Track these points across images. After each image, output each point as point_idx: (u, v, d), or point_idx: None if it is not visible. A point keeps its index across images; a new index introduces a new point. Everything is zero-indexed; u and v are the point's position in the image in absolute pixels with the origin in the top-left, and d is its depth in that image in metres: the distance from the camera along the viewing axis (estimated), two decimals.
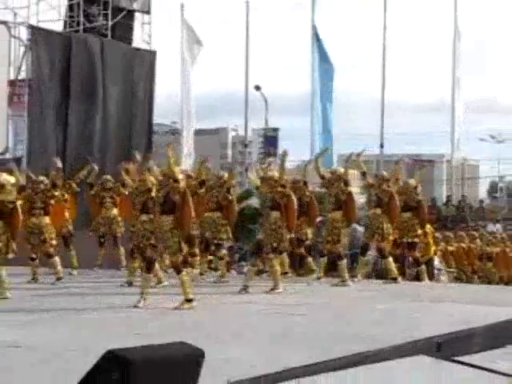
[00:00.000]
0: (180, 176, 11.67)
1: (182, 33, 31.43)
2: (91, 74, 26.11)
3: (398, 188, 16.38)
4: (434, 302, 12.83)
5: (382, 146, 32.16)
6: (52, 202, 14.99)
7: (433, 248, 18.88)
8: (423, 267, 16.82)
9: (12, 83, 25.15)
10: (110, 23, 27.06)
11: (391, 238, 16.27)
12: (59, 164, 15.49)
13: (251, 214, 17.98)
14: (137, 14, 28.39)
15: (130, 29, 28.29)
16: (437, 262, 19.87)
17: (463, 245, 23.12)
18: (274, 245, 13.65)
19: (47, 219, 14.92)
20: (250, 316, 11.22)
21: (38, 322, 10.05)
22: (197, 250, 15.74)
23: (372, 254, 17.16)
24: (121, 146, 25.76)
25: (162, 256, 11.75)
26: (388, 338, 8.62)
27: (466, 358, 7.87)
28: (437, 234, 20.43)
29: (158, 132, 36.61)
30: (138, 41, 28.42)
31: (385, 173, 16.77)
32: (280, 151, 32.79)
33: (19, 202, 12.66)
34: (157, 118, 30.35)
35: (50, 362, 7.35)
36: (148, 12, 28.58)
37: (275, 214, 13.57)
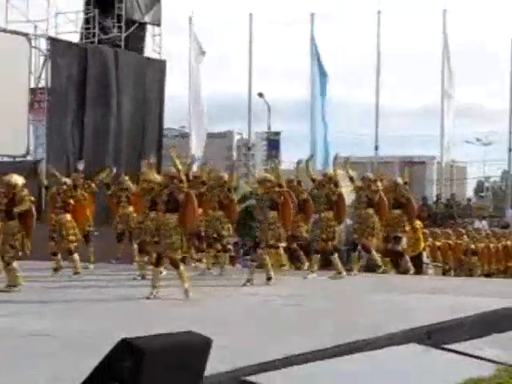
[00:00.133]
0: (183, 176, 11.68)
1: (190, 43, 31.49)
2: (106, 81, 26.14)
3: (385, 187, 16.42)
4: (425, 293, 12.81)
5: (376, 148, 32.19)
6: (72, 201, 15.00)
7: (422, 243, 18.84)
8: (407, 258, 16.78)
9: (32, 91, 25.17)
10: (124, 35, 27.09)
11: (381, 234, 16.29)
12: (81, 167, 15.65)
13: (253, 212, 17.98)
14: (148, 27, 28.43)
15: (142, 40, 28.32)
16: (424, 256, 19.84)
17: (450, 241, 23.13)
18: (271, 242, 13.67)
19: (68, 217, 14.94)
20: (254, 307, 11.21)
21: (59, 312, 10.08)
22: (204, 246, 15.74)
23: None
24: (133, 148, 25.81)
25: (166, 252, 11.64)
26: (382, 327, 8.61)
27: (454, 346, 7.87)
28: (425, 231, 20.37)
29: (168, 135, 36.59)
30: (149, 51, 28.45)
31: (370, 174, 16.71)
32: (281, 153, 32.95)
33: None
34: (166, 122, 30.33)
35: (69, 349, 7.36)
36: (158, 24, 28.61)
37: (273, 214, 13.56)
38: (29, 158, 24.72)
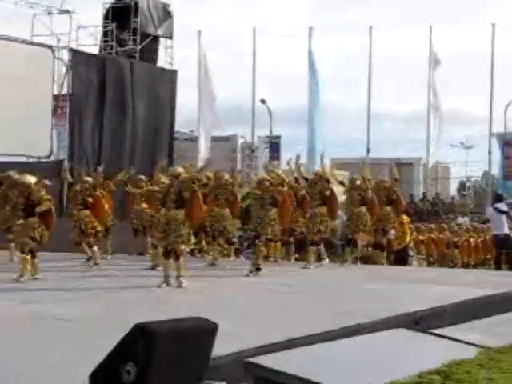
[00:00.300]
0: (185, 175, 11.70)
1: (199, 55, 31.50)
2: (122, 89, 26.18)
3: (377, 185, 16.45)
4: (412, 283, 12.80)
5: (368, 150, 32.18)
6: (90, 199, 14.99)
7: (408, 237, 18.84)
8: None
9: (55, 97, 25.20)
10: (138, 47, 27.14)
11: (372, 229, 16.29)
12: (100, 170, 15.72)
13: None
14: (161, 39, 28.47)
15: (155, 51, 28.35)
16: (409, 249, 19.84)
17: (432, 235, 23.14)
18: (270, 236, 13.66)
19: (87, 212, 14.92)
20: (256, 294, 11.20)
21: (78, 299, 10.07)
22: (210, 239, 15.75)
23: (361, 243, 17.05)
24: (147, 150, 25.85)
25: (173, 243, 11.59)
26: (374, 313, 8.60)
27: (439, 331, 7.86)
28: (410, 225, 20.38)
29: (179, 138, 36.54)
30: (162, 61, 28.49)
31: (357, 176, 16.63)
32: (282, 155, 32.95)
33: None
34: (177, 126, 30.36)
35: (89, 333, 7.37)
36: (170, 37, 28.64)
37: (274, 211, 13.55)
38: (52, 158, 24.78)
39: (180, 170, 12.03)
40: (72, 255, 15.22)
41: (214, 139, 33.89)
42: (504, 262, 20.03)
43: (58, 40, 25.49)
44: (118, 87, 26.05)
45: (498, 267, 19.60)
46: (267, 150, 35.65)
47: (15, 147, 23.39)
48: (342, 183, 16.49)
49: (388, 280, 13.14)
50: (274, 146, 34.41)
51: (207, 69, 31.57)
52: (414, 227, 21.87)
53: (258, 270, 13.39)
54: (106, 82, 25.68)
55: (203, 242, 16.34)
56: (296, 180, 15.81)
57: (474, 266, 22.23)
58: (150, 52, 27.86)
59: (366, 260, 16.97)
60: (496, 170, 33.30)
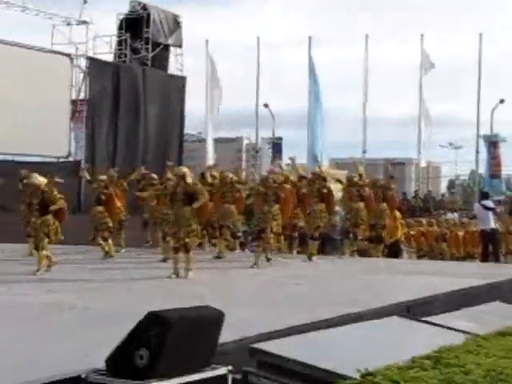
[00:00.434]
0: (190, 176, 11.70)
1: (207, 62, 31.49)
2: (135, 94, 26.22)
3: (372, 183, 16.47)
4: (405, 274, 12.80)
5: (364, 151, 32.14)
6: (103, 197, 14.99)
7: (400, 231, 18.81)
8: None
9: (73, 102, 25.27)
10: (150, 55, 27.22)
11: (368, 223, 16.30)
12: (113, 172, 15.72)
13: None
14: (171, 48, 28.54)
15: (166, 59, 28.40)
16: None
17: (422, 229, 23.10)
18: (274, 229, 13.64)
19: (100, 208, 14.89)
20: (260, 285, 11.20)
21: (95, 289, 10.08)
22: (217, 234, 15.74)
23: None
24: (159, 151, 25.92)
25: (183, 238, 11.56)
26: (370, 302, 8.60)
27: (430, 318, 7.85)
28: (401, 221, 20.33)
29: (188, 140, 36.54)
30: (172, 68, 28.56)
31: (354, 174, 16.62)
32: (284, 155, 32.92)
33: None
34: (186, 129, 30.40)
35: (105, 320, 7.37)
36: (180, 46, 28.70)
37: (276, 206, 13.54)
38: (70, 158, 24.85)
39: (185, 169, 11.99)
40: (89, 248, 15.23)
41: (222, 140, 33.91)
42: (490, 254, 20.00)
43: (76, 49, 25.58)
44: (132, 92, 26.10)
45: (484, 260, 19.57)
46: (270, 150, 35.54)
47: (36, 148, 23.48)
48: (339, 181, 16.51)
49: (383, 271, 13.15)
50: (277, 146, 34.34)
51: (214, 75, 31.55)
52: (405, 222, 21.84)
53: (269, 260, 13.56)
54: (120, 87, 25.75)
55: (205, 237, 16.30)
56: (299, 178, 15.78)
57: (463, 259, 22.17)
58: (161, 60, 27.91)
59: (362, 253, 16.95)
60: (483, 169, 33.24)
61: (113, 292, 9.97)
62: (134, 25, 27.15)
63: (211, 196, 14.80)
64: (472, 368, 5.35)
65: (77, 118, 25.34)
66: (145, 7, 27.56)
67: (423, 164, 35.90)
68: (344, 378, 5.20)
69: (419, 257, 21.56)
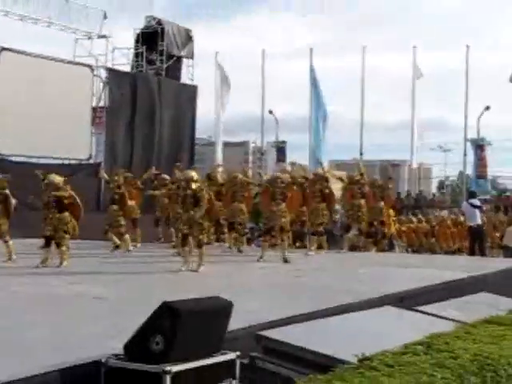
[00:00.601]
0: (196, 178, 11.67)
1: (216, 72, 31.51)
2: (151, 102, 26.28)
3: (371, 182, 16.45)
4: (398, 267, 12.77)
5: (361, 154, 32.12)
6: (116, 196, 14.98)
7: (392, 228, 18.81)
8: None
9: (94, 109, 25.32)
10: (165, 66, 27.26)
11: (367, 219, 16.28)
12: (124, 174, 15.73)
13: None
14: (184, 59, 28.58)
15: (179, 70, 28.46)
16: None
17: (412, 225, 23.09)
18: (282, 226, 13.60)
19: (114, 207, 14.85)
20: (265, 277, 11.20)
21: (113, 281, 10.07)
22: (226, 230, 15.74)
23: (353, 232, 17.01)
24: (172, 154, 25.92)
25: (194, 234, 11.50)
26: (365, 293, 8.59)
27: (422, 308, 7.84)
28: (393, 218, 20.30)
29: (199, 144, 36.58)
30: (184, 78, 28.59)
31: (356, 173, 16.59)
32: (287, 158, 32.91)
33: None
34: (197, 133, 30.44)
35: (122, 310, 7.39)
36: (192, 57, 28.75)
37: (283, 204, 13.52)
38: (91, 161, 24.88)
39: (192, 173, 11.88)
40: (108, 244, 15.23)
41: (230, 144, 33.92)
42: (477, 249, 19.97)
43: (97, 60, 25.66)
44: (147, 100, 26.16)
45: (471, 254, 19.55)
46: (275, 153, 35.52)
47: (60, 152, 23.56)
48: (341, 179, 16.45)
49: (378, 265, 13.12)
50: (281, 150, 34.35)
51: (223, 84, 31.57)
52: (397, 219, 21.83)
53: (286, 261, 12.94)
54: (137, 95, 25.81)
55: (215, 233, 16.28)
56: (305, 179, 15.74)
57: (452, 253, 22.15)
58: (174, 70, 27.98)
59: (359, 248, 16.93)
60: (470, 171, 33.21)
61: (130, 283, 9.98)
62: (149, 38, 27.20)
63: (221, 195, 14.86)
64: (461, 353, 5.34)
65: (97, 123, 25.39)
66: (160, 22, 27.62)
67: (415, 166, 35.91)
68: (343, 362, 5.20)
69: (412, 251, 21.56)
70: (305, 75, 32.41)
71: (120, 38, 28.32)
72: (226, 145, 36.80)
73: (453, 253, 22.02)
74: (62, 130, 22.96)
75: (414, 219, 23.78)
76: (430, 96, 66.17)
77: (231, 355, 5.21)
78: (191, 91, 28.18)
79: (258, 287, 9.73)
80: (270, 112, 34.16)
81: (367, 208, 15.89)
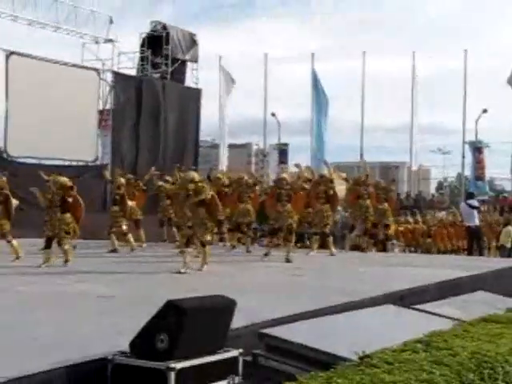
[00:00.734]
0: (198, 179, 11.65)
1: (220, 76, 31.53)
2: (156, 105, 26.30)
3: (375, 185, 16.42)
4: (398, 266, 12.77)
5: (361, 156, 32.12)
6: (117, 197, 14.95)
7: (392, 228, 18.79)
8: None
9: (101, 112, 25.37)
10: (169, 69, 27.28)
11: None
12: (128, 176, 15.65)
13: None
14: (188, 63, 28.60)
15: (183, 73, 28.47)
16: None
17: (409, 226, 23.08)
18: (289, 227, 13.51)
19: (115, 208, 14.79)
20: (268, 276, 11.18)
21: (118, 280, 10.06)
22: (225, 230, 15.71)
23: (356, 232, 16.97)
24: (176, 156, 25.91)
25: (198, 234, 11.47)
26: (366, 292, 8.58)
27: (421, 306, 7.83)
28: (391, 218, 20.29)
29: (203, 146, 36.61)
30: (189, 81, 28.63)
31: (361, 174, 16.61)
32: (289, 160, 32.94)
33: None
34: (201, 136, 30.49)
35: (128, 308, 7.38)
36: (196, 61, 28.77)
37: (289, 205, 13.47)
38: (97, 162, 24.91)
39: (192, 174, 11.86)
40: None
41: (233, 146, 33.96)
42: (475, 248, 19.97)
43: (103, 64, 25.69)
44: (153, 103, 26.18)
45: (469, 253, 19.54)
46: (277, 155, 35.54)
47: (67, 153, 23.61)
48: (346, 180, 16.44)
49: (379, 264, 13.11)
50: (283, 152, 34.38)
51: (226, 87, 31.59)
52: (394, 220, 21.82)
53: (288, 261, 12.87)
54: (142, 98, 25.84)
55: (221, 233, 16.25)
56: (309, 181, 15.71)
57: (450, 253, 22.13)
58: (179, 74, 28.00)
59: (360, 248, 16.91)
60: (468, 172, 33.22)
61: (135, 282, 9.96)
62: (154, 43, 27.23)
63: (225, 196, 14.82)
64: (459, 351, 5.33)
65: (103, 125, 25.43)
66: (164, 27, 27.65)
67: (415, 167, 35.95)
68: (344, 359, 5.20)
69: (410, 251, 21.55)
70: (307, 79, 32.47)
71: (126, 42, 28.33)
72: (230, 147, 36.79)
73: (450, 253, 22.00)
74: (68, 133, 23.00)
75: (411, 220, 23.76)
76: (429, 100, 66.12)
77: (234, 352, 5.21)
78: (195, 94, 28.20)
79: (261, 286, 9.71)
80: (273, 115, 34.17)
81: (373, 208, 15.86)
